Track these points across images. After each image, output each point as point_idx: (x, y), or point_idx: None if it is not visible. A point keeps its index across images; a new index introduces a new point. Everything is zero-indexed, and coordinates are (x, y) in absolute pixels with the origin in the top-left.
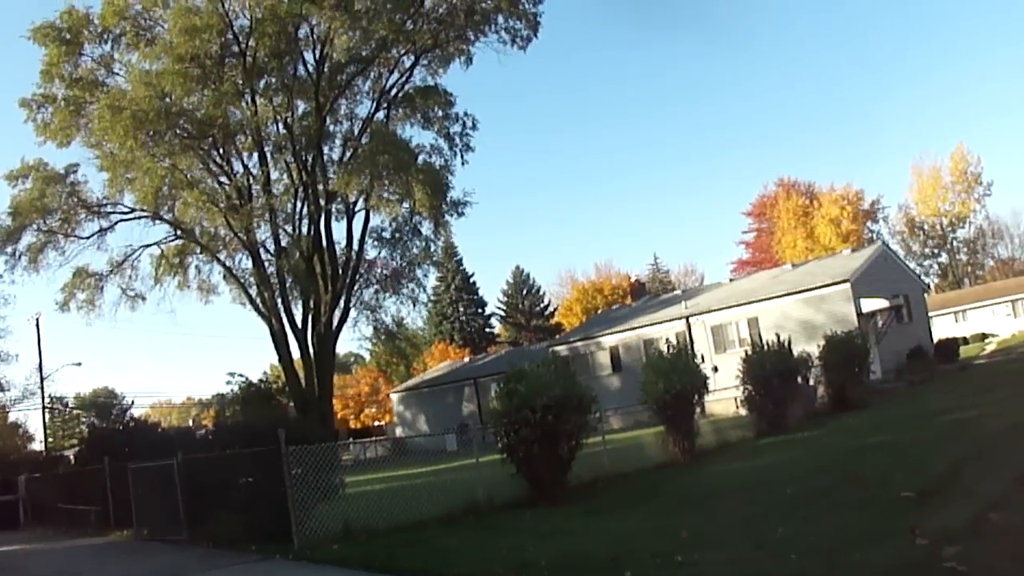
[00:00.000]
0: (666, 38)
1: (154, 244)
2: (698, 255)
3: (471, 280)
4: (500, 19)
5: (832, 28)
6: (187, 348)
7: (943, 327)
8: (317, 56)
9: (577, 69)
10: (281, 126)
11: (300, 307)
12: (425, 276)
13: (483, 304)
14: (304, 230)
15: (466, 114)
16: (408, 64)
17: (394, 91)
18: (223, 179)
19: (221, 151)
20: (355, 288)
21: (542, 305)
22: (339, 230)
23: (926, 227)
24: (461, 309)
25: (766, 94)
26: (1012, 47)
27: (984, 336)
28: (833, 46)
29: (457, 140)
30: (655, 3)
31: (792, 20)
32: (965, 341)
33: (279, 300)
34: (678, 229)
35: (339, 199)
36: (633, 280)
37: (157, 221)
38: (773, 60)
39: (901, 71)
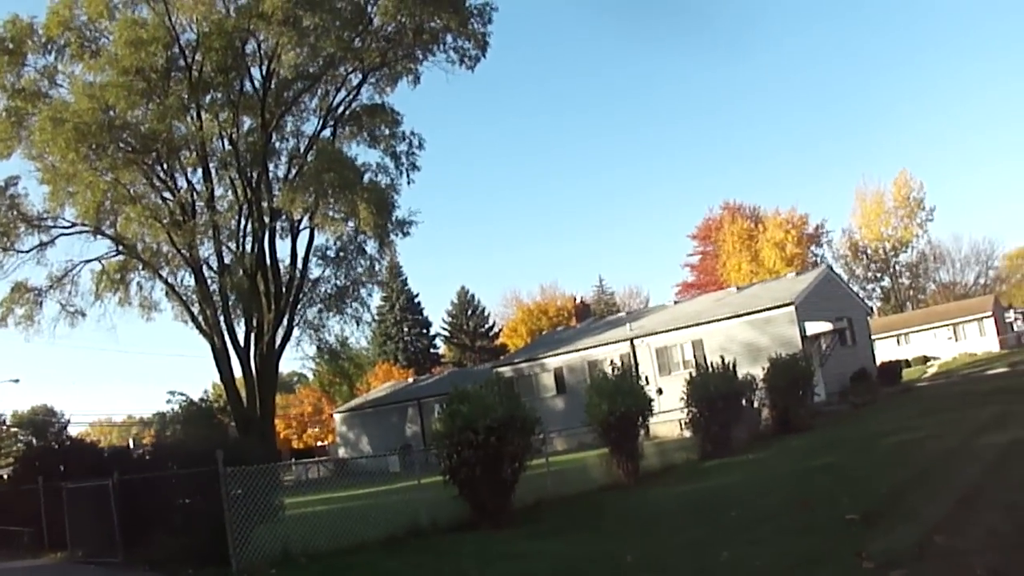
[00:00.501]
0: (614, 62)
1: (95, 259)
2: (643, 277)
3: (416, 300)
4: (449, 39)
5: (779, 57)
6: (128, 365)
7: (886, 350)
8: (264, 72)
9: (524, 91)
10: (226, 142)
11: (243, 325)
12: (369, 296)
13: (428, 324)
14: (248, 248)
15: (412, 133)
16: (355, 82)
17: (341, 109)
18: (167, 194)
19: (165, 166)
20: (299, 307)
21: (487, 326)
22: (283, 248)
23: (869, 251)
24: (406, 329)
25: (713, 118)
26: (953, 76)
27: (926, 359)
28: (781, 72)
29: (403, 159)
30: (605, 26)
31: (741, 47)
32: (908, 364)
33: (221, 318)
34: (624, 251)
35: (284, 217)
36: (578, 301)
37: (99, 236)
38: (721, 86)
39: (848, 97)
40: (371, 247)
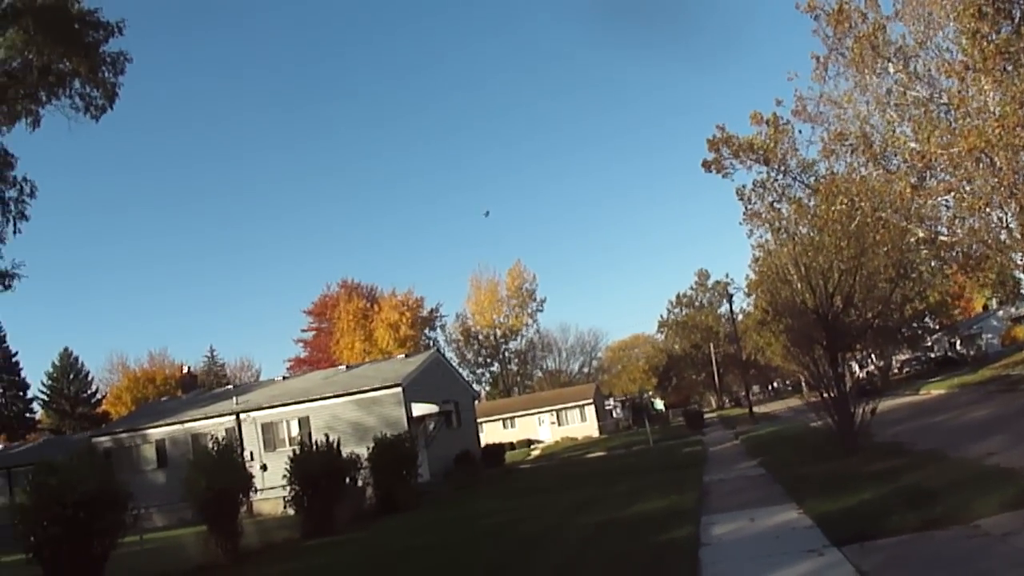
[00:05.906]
0: (243, 120)
1: None
2: (257, 350)
3: (14, 360)
4: (77, 84)
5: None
6: None
7: (493, 432)
8: None
9: (140, 148)
10: None
11: None
12: None
13: (25, 387)
14: None
15: (25, 179)
16: None
17: None
18: None
19: None
20: None
21: (90, 391)
22: None
23: (481, 337)
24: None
25: (338, 193)
26: (563, 178)
27: (530, 442)
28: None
29: (12, 206)
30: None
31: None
32: (512, 446)
33: None
34: (238, 322)
35: None
36: (185, 372)
37: None
38: (357, 163)
39: (466, 188)
40: None
